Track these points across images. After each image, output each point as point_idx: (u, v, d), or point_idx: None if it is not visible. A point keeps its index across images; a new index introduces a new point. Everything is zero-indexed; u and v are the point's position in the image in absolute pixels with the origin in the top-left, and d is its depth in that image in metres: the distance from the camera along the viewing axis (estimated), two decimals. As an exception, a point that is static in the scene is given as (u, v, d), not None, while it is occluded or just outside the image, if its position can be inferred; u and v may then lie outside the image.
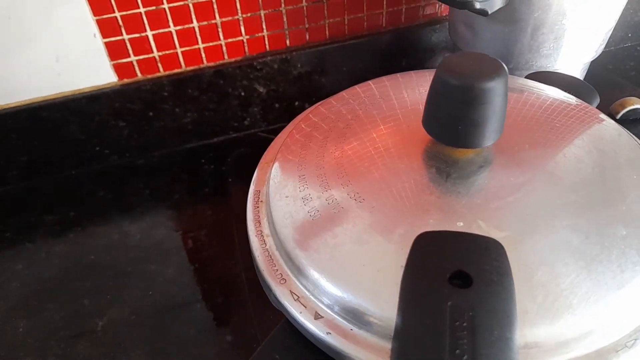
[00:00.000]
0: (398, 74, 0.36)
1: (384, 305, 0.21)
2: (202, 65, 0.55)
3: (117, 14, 0.48)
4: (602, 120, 0.31)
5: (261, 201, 0.30)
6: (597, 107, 0.34)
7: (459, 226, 0.23)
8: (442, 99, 0.25)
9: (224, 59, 0.55)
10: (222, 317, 0.42)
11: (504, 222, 0.24)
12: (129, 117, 0.54)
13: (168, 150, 0.57)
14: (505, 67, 0.25)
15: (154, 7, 0.49)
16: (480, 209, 0.24)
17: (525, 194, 0.25)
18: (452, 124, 0.25)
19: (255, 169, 0.35)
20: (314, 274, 0.23)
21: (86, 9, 0.47)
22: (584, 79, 0.52)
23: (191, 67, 0.54)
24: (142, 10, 0.49)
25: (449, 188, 0.26)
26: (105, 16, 0.48)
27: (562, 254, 0.23)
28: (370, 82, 0.36)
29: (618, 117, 0.54)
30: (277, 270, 0.25)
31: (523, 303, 0.20)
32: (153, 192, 0.53)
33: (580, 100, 0.32)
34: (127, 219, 0.50)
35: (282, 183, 0.28)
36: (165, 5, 0.49)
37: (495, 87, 0.24)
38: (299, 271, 0.24)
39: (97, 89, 0.52)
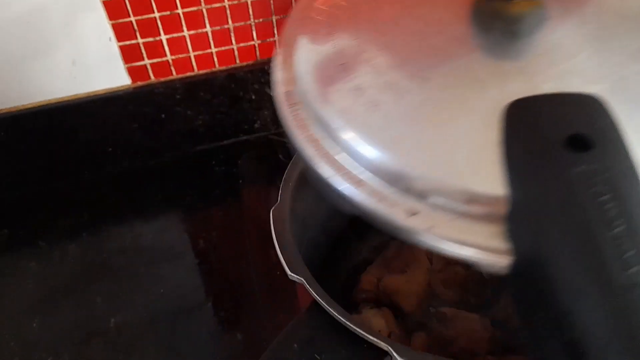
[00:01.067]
0: None
1: (485, 186, 0.18)
2: (214, 69, 0.55)
3: (133, 18, 0.49)
4: None
5: (297, 103, 0.24)
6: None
7: (547, 88, 0.20)
8: None
9: (235, 63, 0.56)
10: (234, 318, 0.42)
11: (593, 74, 0.21)
12: (142, 119, 0.55)
13: (180, 153, 0.57)
14: None
15: (168, 12, 0.50)
16: (563, 65, 0.21)
17: (602, 40, 0.22)
18: None
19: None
20: (408, 172, 0.20)
21: (103, 13, 0.48)
22: None
23: (203, 71, 0.55)
24: (156, 14, 0.50)
25: (520, 49, 0.23)
26: (120, 20, 0.49)
27: None
28: None
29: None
30: (349, 174, 0.21)
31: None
32: (165, 194, 0.53)
33: None
34: (139, 221, 0.50)
35: (321, 76, 0.24)
36: (180, 10, 0.50)
37: None
38: (387, 172, 0.20)
39: (111, 92, 0.53)
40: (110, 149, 0.55)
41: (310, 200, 0.36)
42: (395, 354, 0.24)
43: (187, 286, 0.44)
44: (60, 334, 0.41)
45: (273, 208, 0.30)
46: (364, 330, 0.24)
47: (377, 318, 0.38)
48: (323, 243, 0.40)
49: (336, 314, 0.24)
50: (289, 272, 0.26)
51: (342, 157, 0.21)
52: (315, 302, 0.25)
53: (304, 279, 0.26)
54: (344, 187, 0.21)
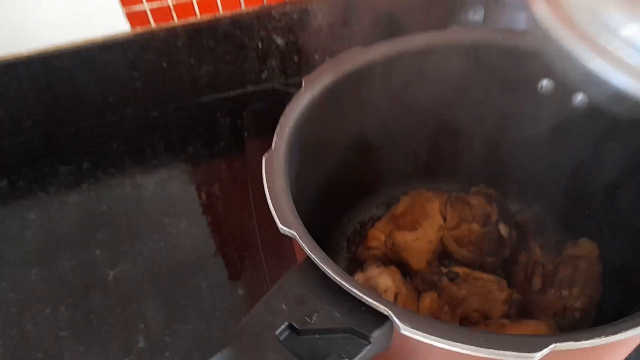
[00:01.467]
0: None
1: None
2: (218, 15, 0.52)
3: (129, -44, 0.46)
4: None
5: (564, 11, 0.22)
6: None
7: None
8: None
9: (241, 8, 0.52)
10: (235, 271, 0.41)
11: None
12: (143, 68, 0.52)
13: (183, 103, 0.55)
14: None
15: (167, -51, 0.46)
16: None
17: None
18: None
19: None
20: None
21: (96, -49, 0.45)
22: None
23: (206, 17, 0.52)
24: (154, -48, 0.46)
25: None
26: (116, -41, 0.46)
27: None
28: None
29: None
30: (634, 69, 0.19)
31: None
32: (167, 145, 0.51)
33: None
34: (140, 171, 0.49)
35: None
36: (179, -53, 0.47)
37: None
38: None
39: (109, 39, 0.50)
40: (110, 99, 0.53)
41: (313, 150, 0.33)
42: (395, 319, 0.21)
43: (189, 239, 0.43)
44: (59, 285, 0.40)
45: (266, 156, 0.27)
46: (362, 292, 0.22)
47: (383, 277, 0.36)
48: (328, 196, 0.38)
49: (330, 272, 0.22)
50: (280, 225, 0.24)
51: (623, 52, 0.20)
52: (308, 258, 0.23)
53: (296, 233, 0.23)
54: (622, 81, 0.19)
